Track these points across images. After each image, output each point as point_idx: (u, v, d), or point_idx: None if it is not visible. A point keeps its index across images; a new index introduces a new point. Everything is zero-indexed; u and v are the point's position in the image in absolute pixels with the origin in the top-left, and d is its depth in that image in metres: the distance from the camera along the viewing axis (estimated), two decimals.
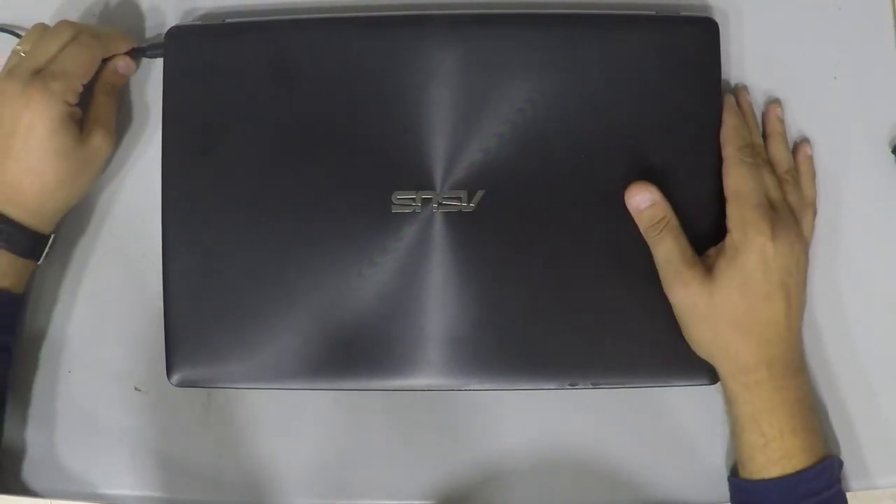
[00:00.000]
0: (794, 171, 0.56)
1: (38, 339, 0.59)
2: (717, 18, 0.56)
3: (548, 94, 0.54)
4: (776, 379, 0.51)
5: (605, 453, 0.57)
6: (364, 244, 0.54)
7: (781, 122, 0.58)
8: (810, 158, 0.57)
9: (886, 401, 0.57)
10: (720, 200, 0.53)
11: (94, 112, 0.56)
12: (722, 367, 0.52)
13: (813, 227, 0.56)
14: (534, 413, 0.57)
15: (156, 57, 0.58)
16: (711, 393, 0.56)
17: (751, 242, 0.50)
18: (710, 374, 0.54)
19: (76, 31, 0.55)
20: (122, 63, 0.57)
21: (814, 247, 0.57)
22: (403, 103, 0.54)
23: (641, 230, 0.53)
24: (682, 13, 0.57)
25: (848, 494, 0.53)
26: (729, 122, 0.54)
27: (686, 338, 0.53)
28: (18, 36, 0.59)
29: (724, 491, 0.56)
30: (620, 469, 0.57)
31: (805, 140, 0.58)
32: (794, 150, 0.58)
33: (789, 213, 0.53)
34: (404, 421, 0.58)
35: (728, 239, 0.52)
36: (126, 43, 0.57)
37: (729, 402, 0.53)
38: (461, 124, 0.54)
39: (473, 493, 0.57)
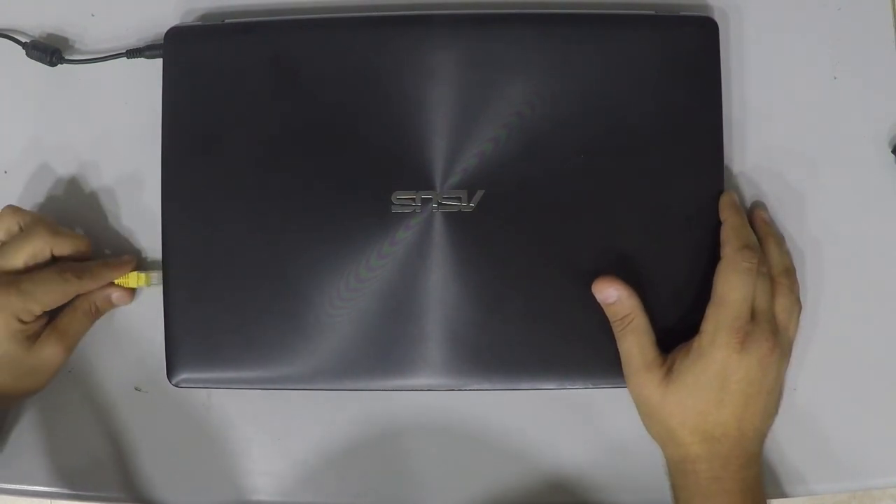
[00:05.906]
0: (790, 272, 0.54)
1: None
2: (717, 18, 0.56)
3: (547, 93, 0.54)
4: (715, 470, 0.50)
5: (605, 453, 0.57)
6: (364, 244, 0.54)
7: (769, 223, 0.56)
8: (768, 223, 0.56)
9: (886, 400, 0.57)
10: (717, 201, 0.54)
11: (64, 324, 0.55)
12: (665, 451, 0.53)
13: (798, 323, 0.54)
14: (533, 413, 0.57)
15: (154, 57, 0.58)
16: None
17: (715, 352, 0.50)
18: None
19: (62, 263, 0.54)
20: (118, 294, 0.57)
21: (813, 247, 0.57)
22: (403, 103, 0.54)
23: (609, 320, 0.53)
24: (682, 13, 0.57)
25: (848, 494, 0.53)
26: (731, 221, 0.53)
27: (640, 418, 0.54)
28: (19, 42, 0.59)
29: None
30: (620, 469, 0.57)
31: (760, 205, 0.57)
32: (750, 216, 0.56)
33: (770, 323, 0.51)
34: (404, 421, 0.58)
35: (696, 340, 0.51)
36: (123, 269, 0.56)
37: (670, 483, 0.53)
38: (461, 124, 0.54)
39: (471, 493, 0.57)
